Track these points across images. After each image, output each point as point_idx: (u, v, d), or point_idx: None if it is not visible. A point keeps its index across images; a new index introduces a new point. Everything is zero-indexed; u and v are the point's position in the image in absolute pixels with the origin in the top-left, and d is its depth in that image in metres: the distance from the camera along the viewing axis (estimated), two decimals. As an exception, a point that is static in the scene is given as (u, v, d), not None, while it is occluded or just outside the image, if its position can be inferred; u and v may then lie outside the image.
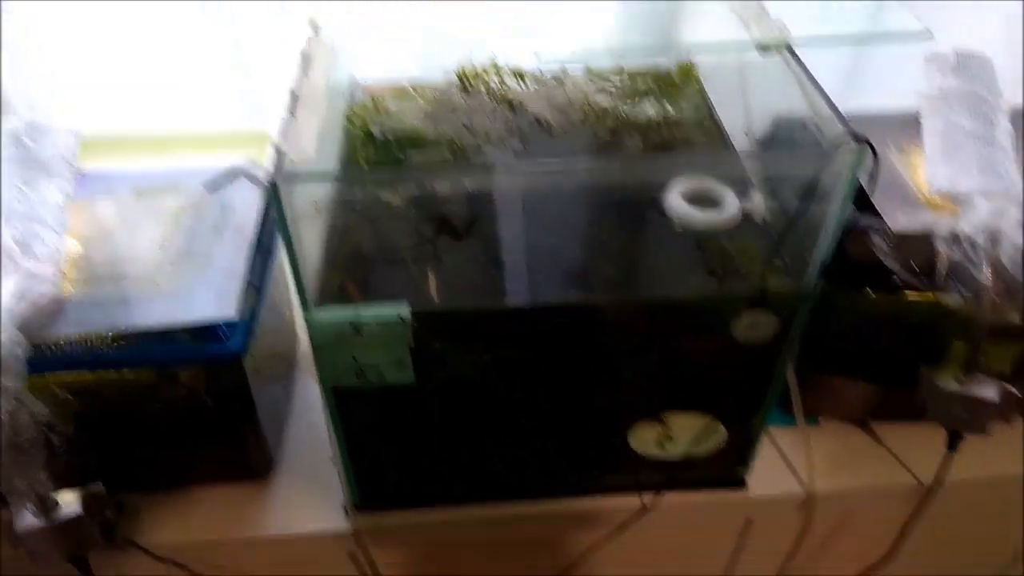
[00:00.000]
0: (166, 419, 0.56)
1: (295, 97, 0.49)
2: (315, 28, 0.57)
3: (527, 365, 0.55)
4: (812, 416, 0.70)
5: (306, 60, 0.53)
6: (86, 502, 0.50)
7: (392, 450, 0.61)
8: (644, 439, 0.61)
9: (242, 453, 0.62)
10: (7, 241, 0.51)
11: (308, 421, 0.70)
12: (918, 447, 0.67)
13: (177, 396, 0.54)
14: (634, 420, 0.60)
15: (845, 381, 0.68)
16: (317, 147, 0.47)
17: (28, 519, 0.48)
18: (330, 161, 0.60)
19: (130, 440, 0.57)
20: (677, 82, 0.70)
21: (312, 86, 0.51)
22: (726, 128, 0.66)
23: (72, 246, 0.54)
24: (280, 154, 0.44)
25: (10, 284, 0.48)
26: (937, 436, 0.62)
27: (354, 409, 0.55)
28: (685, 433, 0.61)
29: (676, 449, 0.62)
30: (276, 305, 0.64)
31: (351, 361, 0.51)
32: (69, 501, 0.49)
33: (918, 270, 0.57)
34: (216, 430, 0.58)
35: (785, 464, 0.68)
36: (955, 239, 0.56)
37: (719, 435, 0.62)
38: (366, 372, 0.52)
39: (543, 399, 0.58)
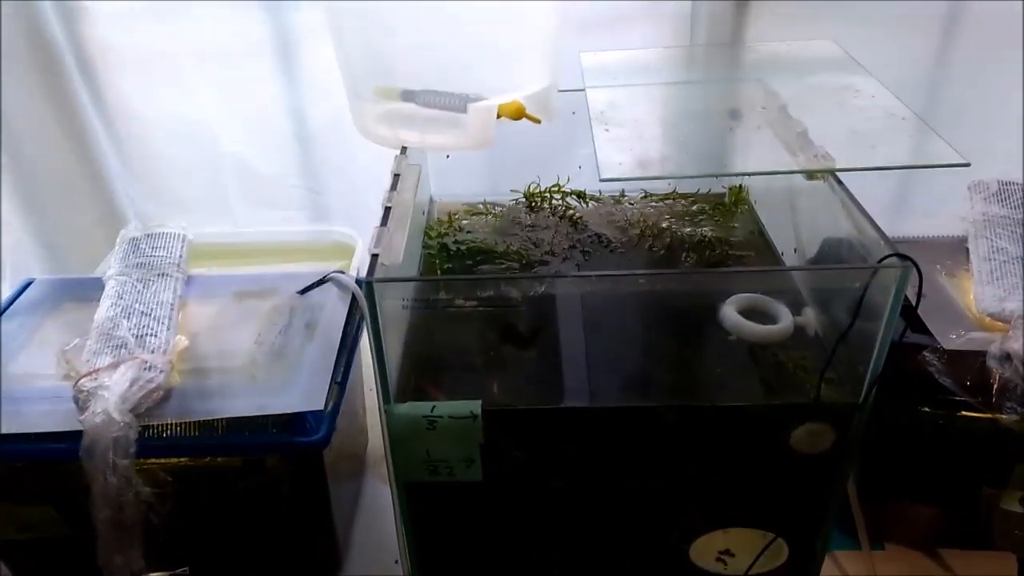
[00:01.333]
0: (248, 508, 0.59)
1: (387, 210, 0.55)
2: (403, 150, 0.64)
3: (587, 468, 0.57)
4: (877, 541, 0.69)
5: (395, 178, 0.60)
6: (172, 584, 0.52)
7: (457, 550, 0.62)
8: (705, 554, 0.62)
9: (312, 549, 0.64)
10: (125, 334, 0.57)
11: (374, 524, 0.72)
12: (989, 575, 0.66)
13: (261, 485, 0.57)
14: (695, 533, 0.61)
15: (909, 504, 0.68)
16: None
17: (120, 596, 0.51)
18: (411, 269, 0.66)
19: (213, 527, 0.60)
20: (729, 204, 0.76)
21: (400, 201, 0.58)
22: (777, 248, 0.70)
23: (180, 341, 0.59)
24: (375, 259, 0.50)
25: (126, 371, 0.53)
26: (1008, 563, 0.61)
27: (424, 506, 0.58)
28: (747, 550, 0.61)
29: (738, 566, 0.62)
30: (352, 405, 0.69)
31: (424, 456, 0.54)
32: (157, 583, 0.52)
33: (971, 388, 0.59)
34: (291, 522, 0.61)
35: (851, 589, 0.67)
36: (1006, 358, 0.57)
37: (781, 553, 0.61)
38: (438, 468, 0.55)
39: (603, 504, 0.60)
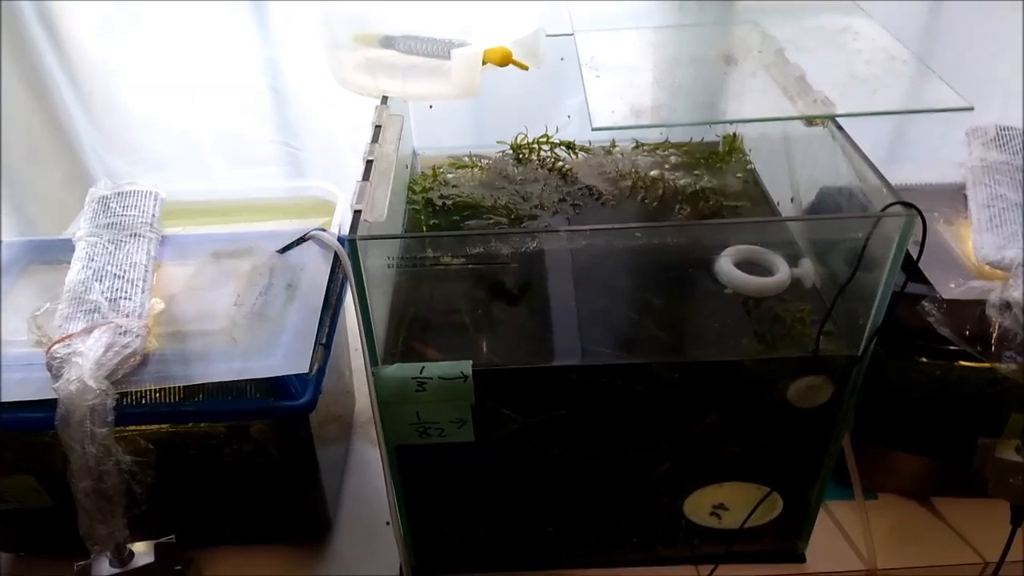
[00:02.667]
0: (234, 475, 0.57)
1: (369, 164, 0.53)
2: (384, 100, 0.61)
3: (580, 426, 0.56)
4: (870, 490, 0.69)
5: (377, 130, 0.57)
6: (159, 553, 0.51)
7: (449, 512, 0.61)
8: (699, 508, 0.61)
9: (302, 513, 0.63)
10: (98, 297, 0.55)
11: (363, 487, 0.71)
12: (981, 523, 0.66)
13: (246, 451, 0.56)
14: (689, 488, 0.60)
15: (903, 454, 0.68)
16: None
17: (105, 568, 0.50)
18: (395, 225, 0.63)
19: (198, 494, 0.59)
20: (723, 153, 0.73)
21: (382, 154, 0.55)
22: (773, 197, 0.68)
23: (155, 304, 0.57)
24: (357, 215, 0.48)
25: (101, 337, 0.51)
26: (1001, 511, 0.61)
27: (414, 468, 0.57)
28: (741, 503, 0.60)
29: (732, 520, 0.61)
30: (337, 367, 0.67)
31: (414, 418, 0.53)
32: (142, 551, 0.51)
33: (970, 338, 0.58)
34: (280, 487, 0.60)
35: (844, 539, 0.67)
36: (1006, 307, 0.56)
37: (776, 506, 0.61)
38: (428, 429, 0.54)
39: (597, 462, 0.59)
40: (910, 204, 0.47)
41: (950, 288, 0.58)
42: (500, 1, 0.64)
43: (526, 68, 0.61)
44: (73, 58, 0.84)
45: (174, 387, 0.52)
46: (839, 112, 0.53)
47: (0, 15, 0.79)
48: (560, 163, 0.73)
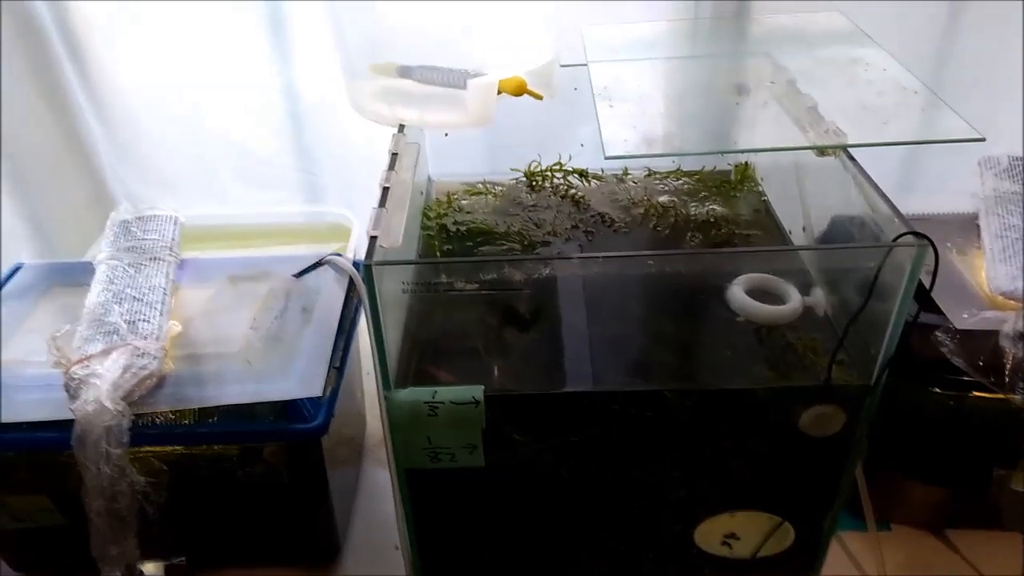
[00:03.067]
0: (245, 496, 0.58)
1: (385, 191, 0.54)
2: (401, 128, 0.62)
3: (591, 453, 0.56)
4: (883, 521, 0.68)
5: (393, 157, 0.58)
6: (169, 574, 0.51)
7: (458, 537, 0.61)
8: (710, 537, 0.61)
9: (312, 535, 0.63)
10: (117, 319, 0.56)
11: (373, 511, 0.71)
12: (996, 556, 0.65)
13: (258, 473, 0.56)
14: (700, 516, 0.60)
15: (917, 485, 0.67)
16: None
17: (115, 587, 0.50)
18: (410, 251, 0.64)
19: (209, 515, 0.59)
20: (735, 181, 0.74)
21: (399, 181, 0.56)
22: (784, 226, 0.69)
23: (173, 326, 0.58)
24: (373, 241, 0.48)
25: (118, 358, 0.52)
26: (1015, 544, 0.60)
27: (424, 493, 0.57)
28: (752, 533, 0.60)
29: (743, 549, 0.61)
30: (350, 390, 0.67)
31: (426, 443, 0.53)
32: (153, 572, 0.51)
33: (984, 369, 0.57)
34: (290, 509, 0.60)
35: (857, 570, 0.66)
36: (1019, 337, 0.56)
37: (787, 536, 0.61)
38: (439, 454, 0.54)
39: (607, 489, 0.58)
40: (922, 235, 0.47)
41: (963, 318, 0.58)
42: (514, 29, 0.65)
43: (540, 98, 0.62)
44: (95, 81, 0.86)
45: (189, 409, 0.53)
46: (850, 143, 0.54)
47: (24, 35, 0.81)
48: (573, 190, 0.73)
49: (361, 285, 0.49)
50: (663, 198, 0.71)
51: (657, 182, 0.75)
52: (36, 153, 0.86)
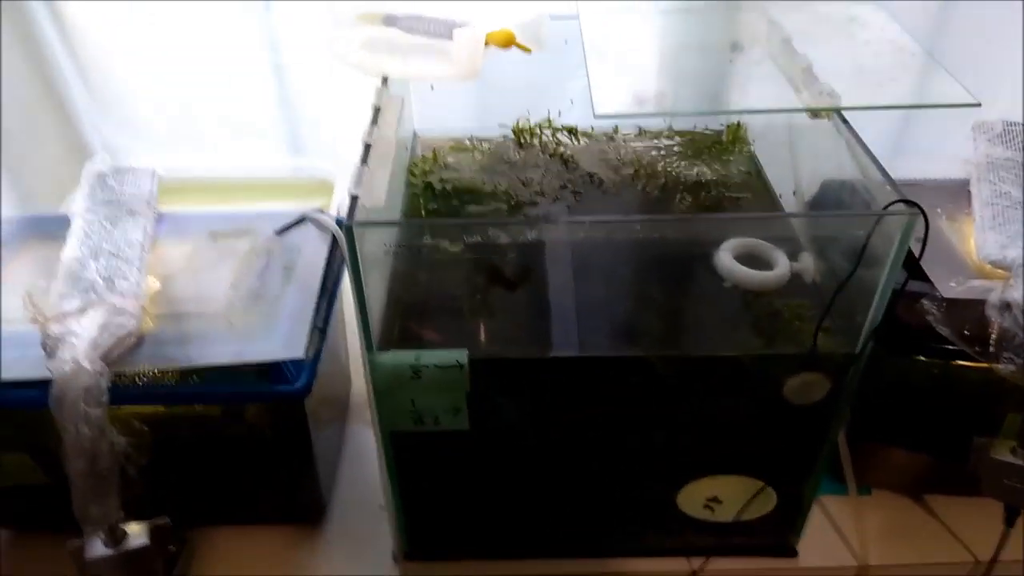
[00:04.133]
0: (228, 456, 0.58)
1: (367, 147, 0.52)
2: (384, 81, 0.60)
3: (575, 417, 0.56)
4: (864, 485, 0.69)
5: (376, 112, 0.57)
6: (153, 534, 0.51)
7: (443, 499, 0.62)
8: (693, 501, 0.61)
9: (297, 495, 0.63)
10: (94, 276, 0.54)
11: (358, 469, 0.71)
12: (974, 522, 0.67)
13: (241, 433, 0.56)
14: (683, 480, 0.60)
15: (897, 450, 0.68)
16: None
17: (99, 547, 0.50)
18: (393, 209, 0.63)
19: (193, 476, 0.59)
20: (727, 143, 0.73)
21: (382, 137, 0.55)
22: (775, 189, 0.68)
23: (151, 283, 0.57)
24: (354, 200, 0.47)
25: (96, 316, 0.51)
26: (994, 511, 0.61)
27: (409, 455, 0.57)
28: (734, 496, 0.61)
29: (725, 513, 0.62)
30: (334, 349, 0.67)
31: (409, 405, 0.53)
32: (136, 532, 0.51)
33: (969, 338, 0.57)
34: (274, 470, 0.60)
35: (837, 534, 0.67)
36: (1006, 307, 0.56)
37: (769, 500, 0.61)
38: (423, 417, 0.53)
39: (591, 453, 0.59)
40: (913, 203, 0.47)
41: (950, 287, 0.58)
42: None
43: (529, 51, 0.60)
44: (72, 31, 0.83)
45: (170, 369, 0.52)
46: (844, 105, 0.53)
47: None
48: (562, 149, 0.72)
49: (344, 244, 0.48)
50: (653, 159, 0.70)
51: (648, 142, 0.73)
52: (10, 102, 0.83)
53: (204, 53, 0.84)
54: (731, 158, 0.71)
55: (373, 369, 0.51)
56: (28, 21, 0.81)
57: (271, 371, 0.53)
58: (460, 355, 0.51)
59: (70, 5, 0.82)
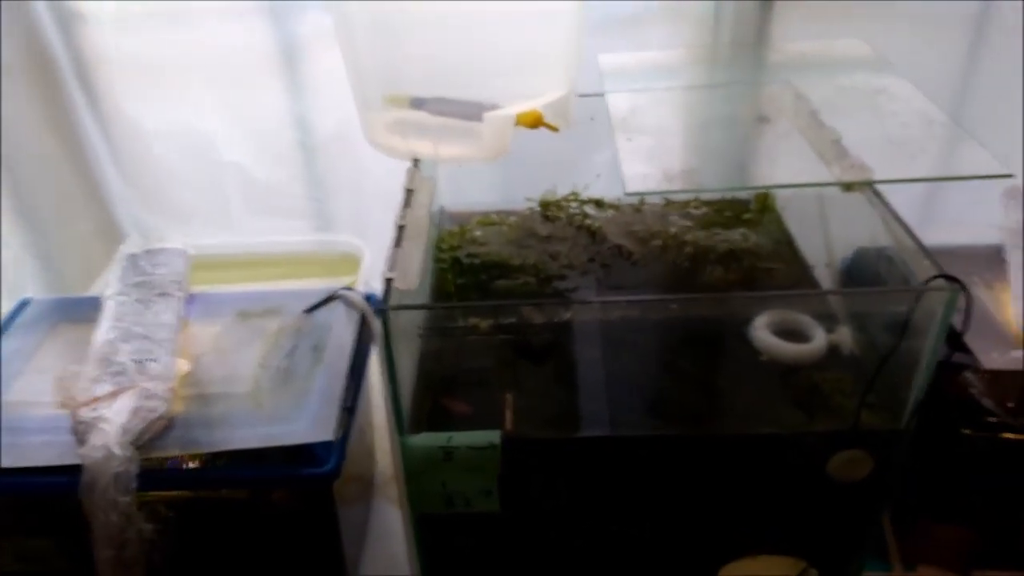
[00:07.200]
0: (254, 539, 0.56)
1: (400, 228, 0.52)
2: (416, 162, 0.61)
3: (610, 497, 0.55)
4: (909, 563, 0.66)
5: (409, 193, 0.57)
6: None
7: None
8: (732, 580, 0.59)
9: (322, 578, 0.62)
10: (125, 359, 0.54)
11: (384, 549, 0.69)
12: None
13: (267, 515, 0.55)
14: (722, 561, 0.58)
15: (943, 526, 0.65)
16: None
17: (121, 638, 0.48)
18: (422, 285, 0.62)
19: (218, 559, 0.58)
20: (755, 212, 0.72)
21: (414, 218, 0.55)
22: (806, 257, 0.67)
23: (181, 365, 0.57)
24: (388, 283, 0.47)
25: (127, 401, 0.51)
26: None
27: (438, 538, 0.55)
28: (775, 576, 0.58)
29: (766, 593, 0.59)
30: (361, 429, 0.66)
31: (440, 488, 0.52)
32: (159, 618, 0.50)
33: (1014, 409, 0.56)
34: (300, 552, 0.58)
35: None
36: (1052, 378, 0.55)
37: (811, 580, 0.59)
38: (454, 499, 0.52)
39: (626, 534, 0.57)
40: (954, 278, 0.46)
41: (992, 358, 0.57)
42: (529, 61, 0.64)
43: (556, 130, 0.61)
44: (105, 110, 0.86)
45: (200, 453, 0.52)
46: (877, 178, 0.52)
47: (34, 64, 0.81)
48: (589, 221, 0.72)
49: (375, 324, 0.48)
50: (681, 230, 0.70)
51: (675, 212, 0.73)
52: (45, 183, 0.86)
53: (236, 134, 0.86)
54: (760, 228, 0.71)
55: (404, 451, 0.50)
56: (63, 102, 0.83)
57: (299, 452, 0.52)
58: (493, 436, 0.50)
59: (105, 87, 0.85)
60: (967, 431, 0.57)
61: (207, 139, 0.86)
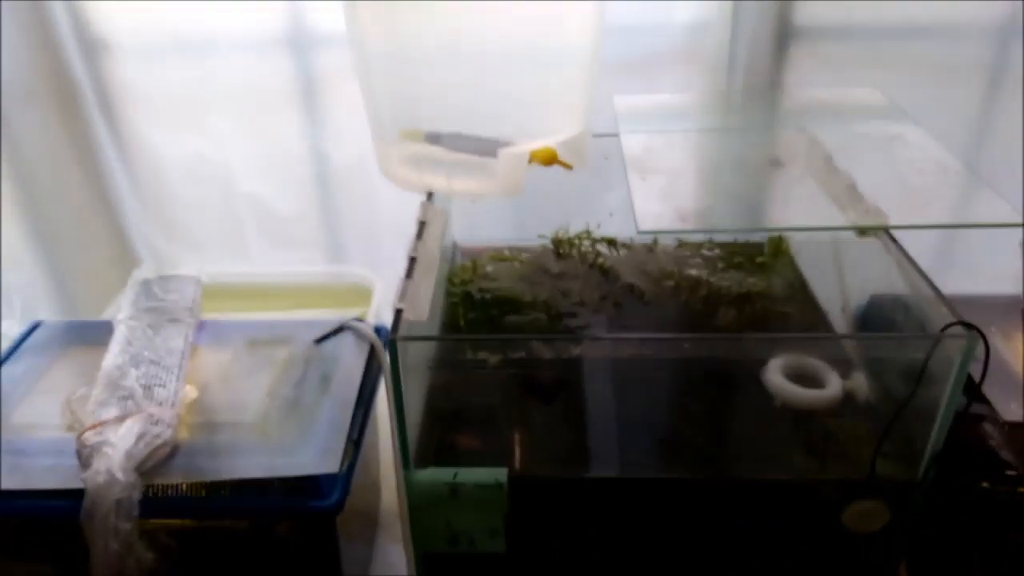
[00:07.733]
0: (255, 571, 0.55)
1: (412, 260, 0.53)
2: (429, 196, 0.62)
3: (618, 541, 0.54)
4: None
5: (422, 226, 0.57)
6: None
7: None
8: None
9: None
10: (133, 383, 0.54)
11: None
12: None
13: (269, 547, 0.54)
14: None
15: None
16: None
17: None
18: (432, 319, 0.62)
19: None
20: (769, 256, 0.72)
21: (426, 251, 0.55)
22: (820, 301, 0.67)
23: (189, 391, 0.56)
24: (399, 314, 0.47)
25: (133, 426, 0.50)
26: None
27: (441, 577, 0.54)
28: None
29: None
30: (367, 462, 0.65)
31: (444, 526, 0.51)
32: (156, 650, 0.49)
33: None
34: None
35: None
36: (1072, 430, 0.53)
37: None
38: (458, 538, 0.51)
39: (634, 577, 0.56)
40: (971, 325, 0.45)
41: (1011, 410, 0.56)
42: (545, 99, 0.64)
43: (570, 167, 0.61)
44: (126, 139, 0.87)
45: (204, 482, 0.51)
46: (892, 224, 0.52)
47: (57, 92, 0.82)
48: (601, 259, 0.72)
49: (384, 357, 0.48)
50: (694, 271, 0.69)
51: (688, 253, 0.73)
52: (63, 209, 0.87)
53: (251, 164, 0.87)
54: (773, 271, 0.70)
55: (409, 486, 0.50)
56: (84, 130, 0.84)
57: (304, 484, 0.51)
58: (499, 474, 0.49)
59: (125, 116, 0.86)
60: (986, 484, 0.56)
61: (224, 169, 0.87)
